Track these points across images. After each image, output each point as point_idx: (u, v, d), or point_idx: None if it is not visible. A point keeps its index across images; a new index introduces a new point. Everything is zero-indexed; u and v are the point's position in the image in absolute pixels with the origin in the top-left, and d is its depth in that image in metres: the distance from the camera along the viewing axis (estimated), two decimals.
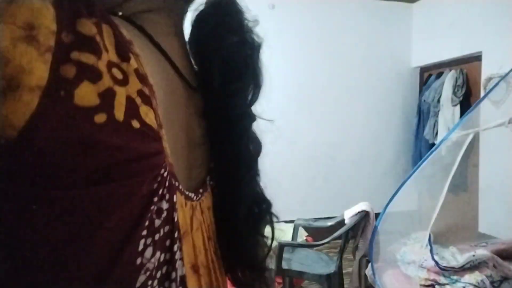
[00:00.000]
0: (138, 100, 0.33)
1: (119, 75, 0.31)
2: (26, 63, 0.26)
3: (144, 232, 0.33)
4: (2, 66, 0.26)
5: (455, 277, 2.08)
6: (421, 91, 4.16)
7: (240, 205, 0.48)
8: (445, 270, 2.11)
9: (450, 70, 3.68)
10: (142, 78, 0.34)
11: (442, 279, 2.10)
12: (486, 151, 3.29)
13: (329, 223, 2.43)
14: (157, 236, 0.35)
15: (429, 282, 2.12)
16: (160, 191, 0.35)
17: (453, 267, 2.10)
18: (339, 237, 2.15)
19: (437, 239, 2.48)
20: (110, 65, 0.31)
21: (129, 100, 0.32)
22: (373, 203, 2.32)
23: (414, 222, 2.59)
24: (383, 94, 4.17)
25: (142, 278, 0.33)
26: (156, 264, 0.35)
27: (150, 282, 0.34)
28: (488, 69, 3.28)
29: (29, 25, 0.27)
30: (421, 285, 2.12)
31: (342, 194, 4.06)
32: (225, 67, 0.46)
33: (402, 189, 2.19)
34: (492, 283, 2.05)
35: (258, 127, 0.55)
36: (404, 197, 2.18)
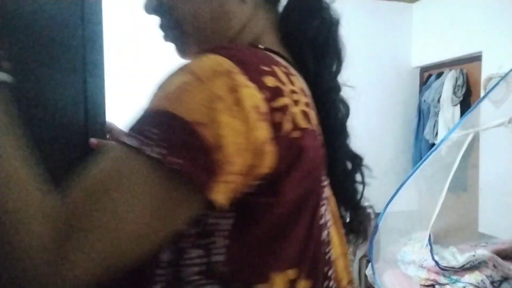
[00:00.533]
0: (307, 109, 0.44)
1: (296, 97, 0.42)
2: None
3: (322, 202, 0.49)
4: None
5: (455, 277, 2.08)
6: (421, 91, 4.16)
7: (337, 163, 0.60)
8: (445, 270, 2.11)
9: (450, 70, 3.67)
10: (303, 92, 0.46)
11: (442, 279, 2.10)
12: (486, 151, 3.29)
13: None
14: (325, 202, 0.50)
15: (429, 282, 2.12)
16: (323, 171, 0.50)
17: (453, 267, 2.10)
18: None
19: (437, 239, 2.48)
20: (291, 92, 0.41)
21: (303, 113, 0.43)
22: (373, 203, 2.32)
23: (414, 222, 2.59)
24: (383, 94, 4.17)
25: (324, 233, 0.49)
26: (325, 222, 0.50)
27: (326, 236, 0.50)
28: (488, 69, 3.28)
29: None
30: (421, 285, 2.12)
31: None
32: (313, 49, 0.57)
33: (402, 189, 2.19)
34: (492, 283, 2.05)
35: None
36: (404, 197, 2.19)
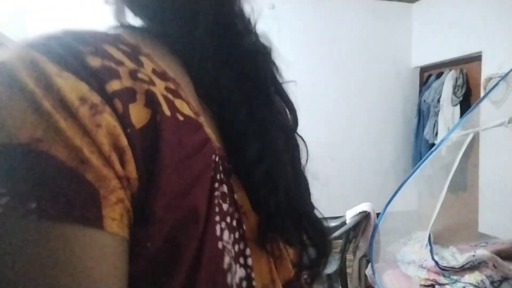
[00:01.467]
0: (170, 96, 0.34)
1: (146, 78, 0.33)
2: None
3: (217, 218, 0.34)
4: None
5: (455, 277, 2.08)
6: (421, 91, 4.16)
7: (282, 169, 0.45)
8: (445, 270, 2.11)
9: (450, 70, 3.68)
10: (162, 75, 0.35)
11: (442, 279, 2.10)
12: (486, 151, 3.29)
13: (333, 223, 2.43)
14: (228, 219, 0.36)
15: (429, 282, 2.12)
16: (218, 176, 0.36)
17: (453, 267, 2.11)
18: (340, 237, 2.15)
19: (437, 239, 2.48)
20: (132, 72, 0.32)
21: (164, 97, 0.33)
22: (373, 203, 2.32)
23: (414, 222, 2.59)
24: (383, 94, 4.17)
25: (227, 259, 0.35)
26: (232, 244, 0.36)
27: (232, 262, 0.36)
28: (488, 69, 3.28)
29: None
30: (421, 285, 2.12)
31: (342, 194, 4.05)
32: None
33: (402, 189, 2.19)
34: (492, 283, 2.05)
35: None
36: (404, 197, 2.19)
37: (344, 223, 2.25)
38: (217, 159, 0.36)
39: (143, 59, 0.34)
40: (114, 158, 0.28)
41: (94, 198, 0.27)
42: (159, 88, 0.33)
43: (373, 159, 4.16)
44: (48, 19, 3.15)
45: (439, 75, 3.83)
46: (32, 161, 0.26)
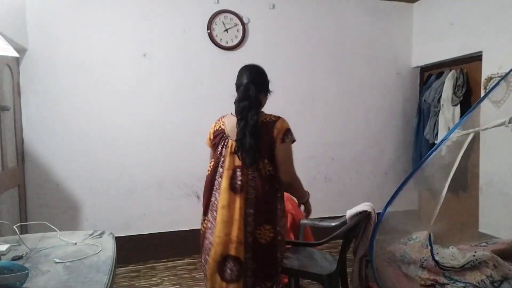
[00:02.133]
0: (221, 125, 1.93)
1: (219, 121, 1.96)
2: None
3: (220, 147, 1.88)
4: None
5: (455, 277, 2.08)
6: (421, 91, 4.16)
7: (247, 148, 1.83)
8: (445, 270, 2.11)
9: (451, 70, 3.67)
10: (224, 123, 1.92)
11: (442, 279, 2.10)
12: (486, 151, 3.29)
13: (334, 223, 2.43)
14: (222, 147, 1.86)
15: (429, 282, 2.12)
16: (224, 140, 1.87)
17: (454, 267, 2.11)
18: (340, 237, 2.14)
19: (437, 239, 2.48)
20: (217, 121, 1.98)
21: (220, 124, 1.95)
22: (374, 203, 2.32)
23: (414, 222, 2.59)
24: (383, 94, 4.17)
25: (220, 160, 1.87)
26: (221, 153, 1.88)
27: (220, 162, 1.86)
28: (488, 69, 3.28)
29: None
30: (421, 285, 2.12)
31: (342, 194, 4.06)
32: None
33: (402, 189, 2.18)
34: (492, 283, 2.05)
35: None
36: (404, 197, 2.18)
37: (344, 223, 2.25)
38: (224, 135, 1.87)
39: (222, 119, 1.93)
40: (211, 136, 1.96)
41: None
42: (220, 123, 1.93)
43: (373, 158, 4.15)
44: (48, 19, 3.16)
45: (440, 75, 3.83)
46: None
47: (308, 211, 2.00)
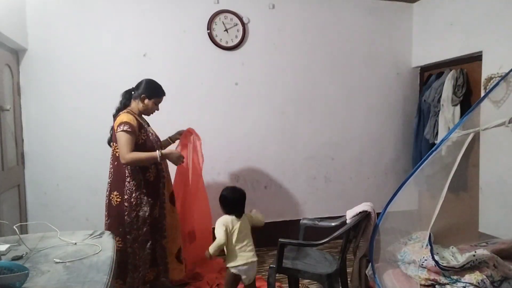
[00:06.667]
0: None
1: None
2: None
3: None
4: None
5: (455, 277, 2.08)
6: (421, 91, 4.16)
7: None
8: (445, 270, 2.11)
9: (451, 70, 3.67)
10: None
11: (442, 279, 2.10)
12: (486, 151, 3.29)
13: (334, 223, 2.43)
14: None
15: (429, 282, 2.12)
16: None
17: (453, 267, 2.10)
18: (340, 237, 2.14)
19: (437, 239, 2.48)
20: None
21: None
22: (374, 203, 2.32)
23: (414, 222, 2.59)
24: (383, 94, 4.17)
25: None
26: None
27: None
28: (488, 69, 3.28)
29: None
30: (421, 285, 2.12)
31: (342, 194, 4.06)
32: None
33: (402, 189, 2.18)
34: (492, 283, 2.05)
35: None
36: (404, 197, 2.18)
37: (344, 223, 2.25)
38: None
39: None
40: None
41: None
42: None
43: (373, 159, 4.15)
44: (48, 19, 3.16)
45: (439, 75, 3.83)
46: None
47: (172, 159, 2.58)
